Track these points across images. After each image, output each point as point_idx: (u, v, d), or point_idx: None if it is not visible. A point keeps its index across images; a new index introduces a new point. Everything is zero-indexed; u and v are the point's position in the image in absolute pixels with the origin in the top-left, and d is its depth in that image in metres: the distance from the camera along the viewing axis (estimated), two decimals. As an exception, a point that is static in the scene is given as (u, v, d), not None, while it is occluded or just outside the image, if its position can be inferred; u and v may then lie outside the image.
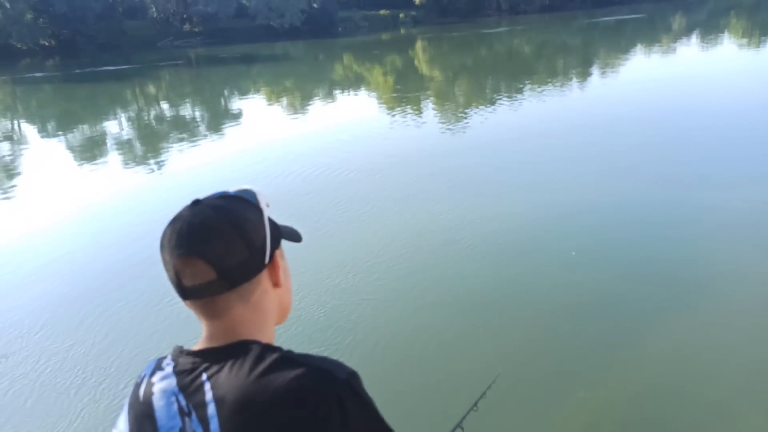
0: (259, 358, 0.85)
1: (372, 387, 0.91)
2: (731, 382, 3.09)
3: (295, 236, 1.06)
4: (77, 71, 26.11)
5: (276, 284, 0.98)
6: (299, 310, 4.04)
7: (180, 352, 0.92)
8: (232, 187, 0.98)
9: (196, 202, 0.93)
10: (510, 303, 4.02)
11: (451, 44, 27.53)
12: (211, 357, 0.88)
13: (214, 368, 0.86)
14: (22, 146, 11.87)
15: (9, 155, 10.91)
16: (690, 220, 5.13)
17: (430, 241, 5.10)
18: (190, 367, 0.88)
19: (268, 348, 0.88)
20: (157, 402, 0.88)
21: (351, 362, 0.90)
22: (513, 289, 4.21)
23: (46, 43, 36.90)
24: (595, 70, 16.11)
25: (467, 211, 5.71)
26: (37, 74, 26.18)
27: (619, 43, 22.31)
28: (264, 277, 0.95)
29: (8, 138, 13.01)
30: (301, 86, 18.62)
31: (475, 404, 1.84)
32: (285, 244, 0.99)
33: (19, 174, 9.56)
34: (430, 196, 6.30)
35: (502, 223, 5.37)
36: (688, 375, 3.19)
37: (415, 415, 2.99)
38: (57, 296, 4.74)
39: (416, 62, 22.65)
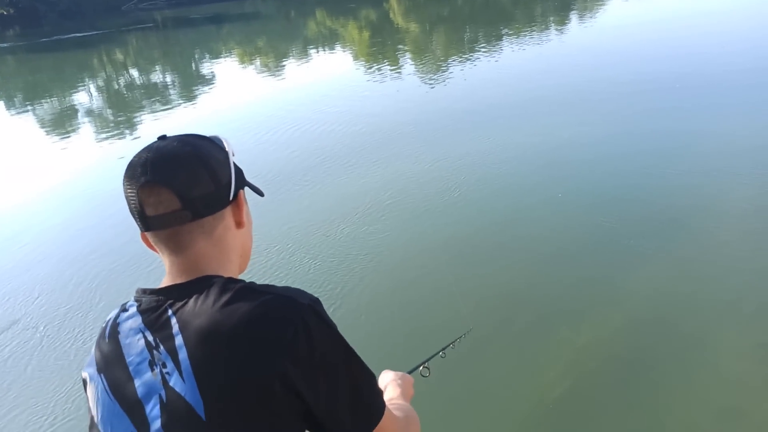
0: (223, 290, 0.86)
1: (349, 329, 0.91)
2: (712, 314, 3.16)
3: (258, 190, 1.09)
4: (42, 40, 25.10)
5: (239, 224, 0.99)
6: (287, 263, 4.09)
7: (143, 292, 0.92)
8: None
9: (163, 137, 0.95)
10: (493, 250, 4.04)
11: (426, -5, 26.88)
12: (174, 293, 0.89)
13: (179, 303, 0.87)
14: (-11, 121, 11.48)
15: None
16: (671, 159, 5.14)
17: (413, 191, 5.09)
18: (155, 305, 0.89)
19: (231, 280, 0.90)
20: (124, 340, 0.88)
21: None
22: (497, 235, 4.23)
23: (4, 12, 35.31)
24: (574, 16, 15.87)
25: (449, 161, 5.67)
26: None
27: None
28: (228, 214, 0.96)
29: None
30: (274, 45, 18.16)
31: (448, 346, 1.83)
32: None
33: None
34: (411, 147, 6.22)
35: (485, 171, 5.37)
36: (670, 308, 3.26)
37: (388, 358, 2.99)
38: (50, 265, 4.75)
39: (392, 15, 22.14)
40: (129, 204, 0.91)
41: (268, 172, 5.99)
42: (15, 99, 13.80)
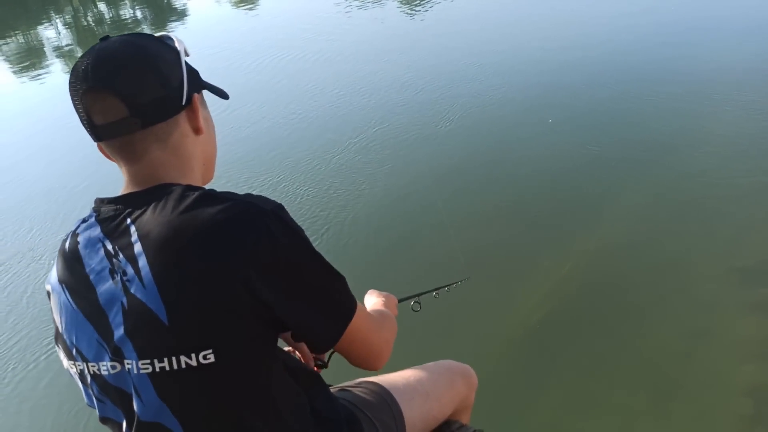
0: (182, 197, 0.84)
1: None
2: (689, 239, 3.22)
3: (220, 92, 1.03)
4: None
5: (197, 130, 0.95)
6: (274, 190, 4.15)
7: (101, 202, 0.90)
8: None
9: (105, 38, 0.88)
10: (483, 184, 4.01)
11: None
12: (133, 201, 0.87)
13: (138, 212, 0.85)
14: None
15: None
16: (662, 83, 5.08)
17: (402, 120, 5.02)
18: (113, 214, 0.87)
19: (190, 187, 0.87)
20: (84, 250, 0.87)
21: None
22: (487, 169, 4.18)
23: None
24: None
25: (436, 92, 5.56)
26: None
27: None
28: (182, 120, 0.92)
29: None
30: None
31: (443, 288, 1.84)
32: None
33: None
34: (399, 78, 6.07)
35: (474, 99, 5.28)
36: (649, 233, 3.31)
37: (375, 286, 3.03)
38: (25, 197, 4.83)
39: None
40: (77, 114, 0.87)
41: (251, 103, 5.86)
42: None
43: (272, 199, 0.87)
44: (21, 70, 9.65)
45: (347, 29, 8.72)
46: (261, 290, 0.80)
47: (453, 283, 1.93)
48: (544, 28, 7.18)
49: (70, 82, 0.86)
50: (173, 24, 11.54)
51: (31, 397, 2.86)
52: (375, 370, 1.05)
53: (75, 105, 0.86)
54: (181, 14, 12.79)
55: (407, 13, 9.40)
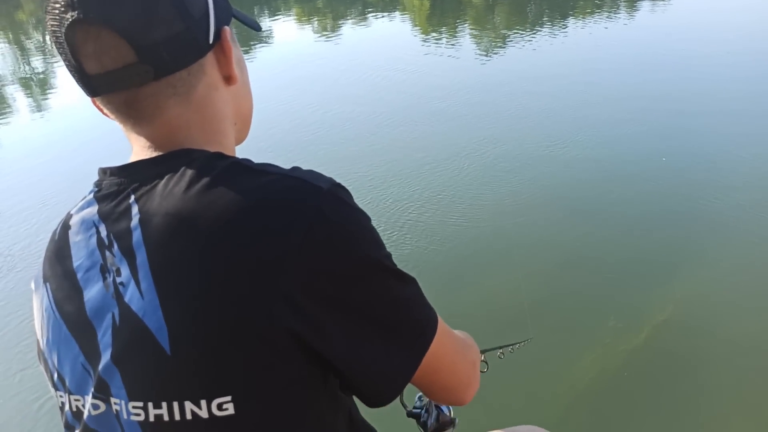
0: (205, 168, 0.60)
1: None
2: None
3: (251, 21, 0.77)
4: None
5: (229, 79, 0.69)
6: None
7: (104, 173, 0.67)
8: None
9: None
10: (564, 232, 3.88)
11: (494, -35, 25.95)
12: (141, 172, 0.63)
13: (146, 187, 0.61)
14: (55, 62, 11.84)
15: (42, 72, 10.91)
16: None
17: (485, 158, 4.99)
18: (116, 189, 0.64)
19: (218, 156, 0.63)
20: (74, 237, 0.65)
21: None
22: (571, 216, 4.08)
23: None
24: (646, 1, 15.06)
25: (533, 133, 5.54)
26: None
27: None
28: (209, 65, 0.67)
29: (41, 53, 12.98)
30: (333, 6, 17.98)
31: (506, 347, 1.75)
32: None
33: (53, 90, 9.57)
34: (474, 117, 6.10)
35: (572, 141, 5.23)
36: (740, 304, 3.07)
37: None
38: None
39: (455, -16, 21.51)
40: (61, 57, 0.63)
41: (318, 132, 5.98)
42: None
43: (328, 176, 0.63)
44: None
45: (417, 73, 8.83)
46: (308, 311, 0.56)
47: (517, 343, 1.83)
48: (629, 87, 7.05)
49: (47, 11, 0.60)
50: (257, 45, 12.04)
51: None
52: (463, 403, 0.79)
53: (57, 45, 0.61)
54: (266, 38, 13.36)
55: (481, 58, 9.45)
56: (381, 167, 5.11)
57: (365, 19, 15.21)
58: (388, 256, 0.63)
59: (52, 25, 0.60)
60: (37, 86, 9.76)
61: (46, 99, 8.97)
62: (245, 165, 0.62)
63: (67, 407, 0.65)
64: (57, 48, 0.62)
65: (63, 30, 0.59)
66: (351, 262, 0.58)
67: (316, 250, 0.56)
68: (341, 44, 11.69)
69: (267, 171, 0.61)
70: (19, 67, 11.41)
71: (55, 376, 0.65)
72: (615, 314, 3.09)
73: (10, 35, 15.25)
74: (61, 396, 0.66)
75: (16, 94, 9.30)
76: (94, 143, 6.29)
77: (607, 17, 12.38)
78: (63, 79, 10.07)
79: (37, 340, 0.69)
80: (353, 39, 12.29)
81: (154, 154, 0.65)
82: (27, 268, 3.95)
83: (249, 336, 0.55)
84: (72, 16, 0.58)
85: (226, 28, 0.68)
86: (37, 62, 11.86)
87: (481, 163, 4.97)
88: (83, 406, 0.63)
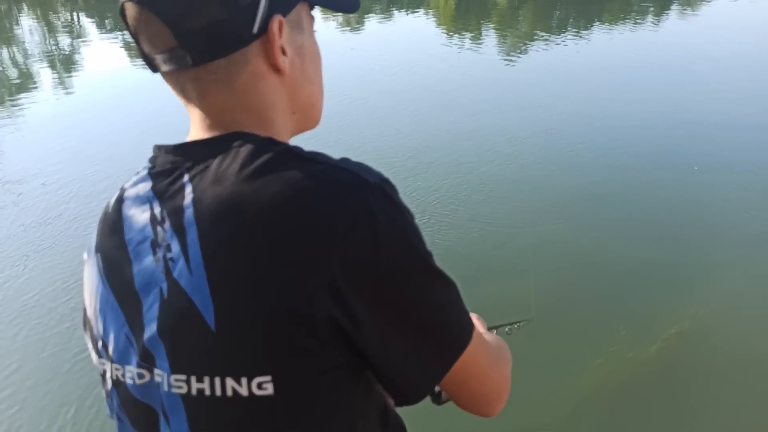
0: (256, 152, 0.61)
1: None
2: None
3: (339, 3, 0.75)
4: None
5: (277, 68, 0.68)
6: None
7: (159, 150, 0.69)
8: None
9: None
10: (580, 232, 3.95)
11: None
12: (195, 153, 0.65)
13: (199, 167, 0.63)
14: (81, 41, 11.99)
15: (69, 50, 11.05)
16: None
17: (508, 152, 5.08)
18: (170, 167, 0.66)
19: (269, 141, 0.64)
20: (127, 211, 0.67)
21: None
22: (590, 216, 4.13)
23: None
24: (675, 8, 14.90)
25: (563, 130, 5.60)
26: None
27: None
28: (254, 54, 0.66)
29: (68, 31, 13.15)
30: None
31: (514, 324, 1.78)
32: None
33: (77, 69, 9.70)
34: (499, 115, 6.13)
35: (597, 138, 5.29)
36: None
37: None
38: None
39: (482, -16, 21.39)
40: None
41: (336, 131, 6.02)
42: (106, 22, 14.31)
43: (377, 170, 0.63)
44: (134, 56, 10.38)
45: (439, 71, 8.83)
46: (348, 300, 0.57)
47: (517, 322, 1.86)
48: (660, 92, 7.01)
49: None
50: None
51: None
52: (490, 415, 0.78)
53: (123, 23, 0.66)
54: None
55: (506, 60, 9.43)
56: (413, 159, 5.15)
57: (389, 15, 15.22)
58: (430, 255, 0.63)
59: (121, 3, 0.64)
60: (62, 63, 9.91)
61: (70, 76, 9.09)
62: (296, 152, 0.63)
63: (108, 374, 0.67)
64: (125, 25, 0.66)
65: (121, 11, 0.64)
66: (393, 257, 0.59)
67: (359, 241, 0.57)
68: (365, 38, 11.71)
69: (317, 160, 0.62)
70: (47, 45, 11.56)
71: (99, 343, 0.68)
72: (626, 323, 3.08)
73: (39, 12, 15.45)
74: (103, 363, 0.68)
75: (42, 70, 9.44)
76: (122, 114, 6.39)
77: (633, 24, 12.28)
78: (88, 56, 10.21)
79: (84, 308, 0.71)
80: (377, 33, 12.29)
81: (207, 135, 0.67)
82: (74, 235, 4.07)
83: (291, 320, 0.56)
84: None
85: (277, 17, 0.66)
86: (64, 40, 12.03)
87: (502, 166, 5.00)
88: (123, 375, 0.65)
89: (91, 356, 0.71)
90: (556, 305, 3.19)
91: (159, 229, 0.63)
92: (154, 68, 0.67)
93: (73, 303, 3.38)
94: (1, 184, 5.05)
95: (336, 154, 0.67)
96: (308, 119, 0.76)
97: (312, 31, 0.74)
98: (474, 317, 0.89)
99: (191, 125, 0.69)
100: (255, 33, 0.64)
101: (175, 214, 0.62)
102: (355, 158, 0.65)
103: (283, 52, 0.68)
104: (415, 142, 5.62)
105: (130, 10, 0.63)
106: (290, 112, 0.72)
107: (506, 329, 1.66)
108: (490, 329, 1.29)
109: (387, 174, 0.63)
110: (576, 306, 3.25)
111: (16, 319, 3.29)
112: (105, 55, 10.35)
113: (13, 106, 7.49)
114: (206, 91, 0.66)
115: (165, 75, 0.67)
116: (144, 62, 0.68)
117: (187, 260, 0.59)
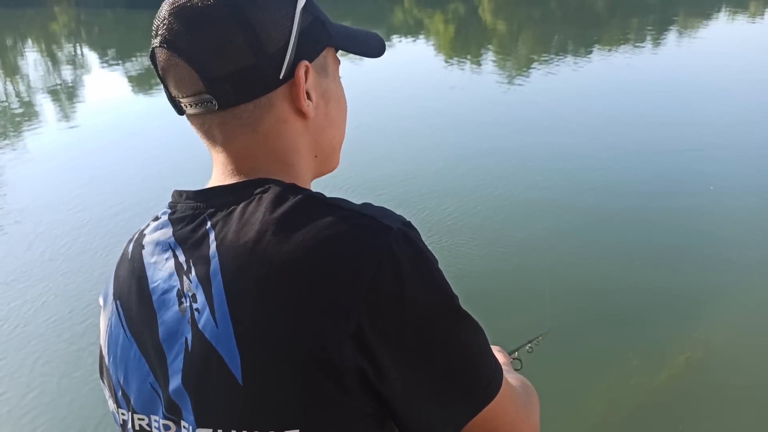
0: (279, 199, 0.61)
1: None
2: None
3: (368, 46, 0.75)
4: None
5: (301, 113, 0.68)
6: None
7: (179, 195, 0.68)
8: None
9: None
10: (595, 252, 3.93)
11: (519, -7, 26.24)
12: (217, 198, 0.65)
13: (222, 213, 0.63)
14: (84, 73, 12.10)
15: (71, 82, 11.15)
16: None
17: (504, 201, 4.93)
18: (191, 213, 0.65)
19: (292, 188, 0.63)
20: (149, 258, 0.66)
21: None
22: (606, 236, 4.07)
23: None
24: (672, 33, 15.06)
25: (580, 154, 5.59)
26: None
27: (702, 3, 20.76)
28: (279, 98, 0.66)
29: (71, 64, 13.30)
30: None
31: (534, 340, 1.73)
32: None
33: (80, 100, 9.76)
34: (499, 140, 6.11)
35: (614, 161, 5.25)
36: None
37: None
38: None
39: (480, 11, 21.75)
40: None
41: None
42: (108, 54, 14.49)
43: (397, 213, 0.63)
44: (138, 87, 10.44)
45: (438, 97, 8.87)
46: (374, 349, 0.56)
47: (536, 338, 1.81)
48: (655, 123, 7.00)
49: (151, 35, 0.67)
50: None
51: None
52: None
53: (153, 65, 0.67)
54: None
55: (502, 86, 9.47)
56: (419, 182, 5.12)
57: (389, 41, 15.43)
58: (456, 298, 0.62)
59: (151, 48, 0.66)
60: (66, 95, 9.97)
61: (74, 109, 9.13)
62: (318, 198, 0.62)
63: (129, 425, 0.66)
64: (154, 68, 0.67)
65: (152, 53, 0.66)
66: (418, 303, 0.58)
67: (384, 289, 0.57)
68: (364, 66, 11.83)
69: (339, 206, 0.61)
70: (50, 77, 11.66)
71: (119, 393, 0.67)
72: (637, 349, 3.03)
73: (43, 45, 15.67)
74: (123, 414, 0.67)
75: (45, 102, 9.50)
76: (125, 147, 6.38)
77: (633, 47, 12.39)
78: (91, 89, 10.29)
79: (102, 356, 0.70)
80: (378, 61, 12.41)
81: (229, 180, 0.67)
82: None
83: (318, 371, 0.56)
84: (157, 42, 0.64)
85: (304, 62, 0.67)
86: (67, 73, 12.14)
87: (515, 190, 4.97)
88: (148, 425, 0.64)
89: (109, 404, 0.70)
90: (568, 329, 3.14)
91: (185, 278, 0.62)
92: (180, 111, 0.68)
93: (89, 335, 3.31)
94: (5, 213, 5.04)
95: (343, 183, 0.62)
96: (329, 162, 0.77)
97: (337, 75, 0.75)
98: (496, 350, 0.88)
99: (214, 170, 0.69)
100: (281, 78, 0.65)
101: (200, 263, 0.61)
102: (361, 187, 0.62)
103: (308, 97, 0.68)
104: (420, 168, 5.59)
105: (161, 54, 0.64)
106: (312, 156, 0.73)
107: (527, 347, 1.62)
108: (511, 353, 1.28)
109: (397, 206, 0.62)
110: (587, 330, 3.22)
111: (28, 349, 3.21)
112: (107, 86, 10.42)
113: (18, 137, 7.51)
114: (231, 135, 0.67)
115: (191, 118, 0.68)
116: (170, 104, 0.68)
117: (212, 311, 0.59)
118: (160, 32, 0.64)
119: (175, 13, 0.63)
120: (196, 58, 0.62)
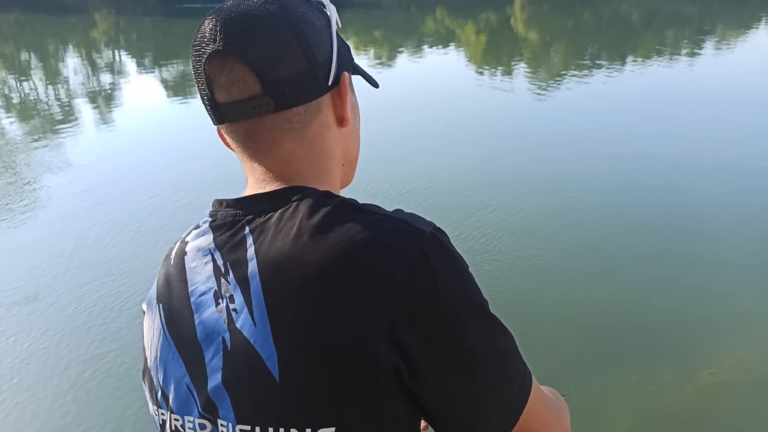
0: (316, 205, 0.64)
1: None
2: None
3: (370, 77, 0.81)
4: (184, 5, 26.74)
5: (341, 120, 0.74)
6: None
7: (219, 204, 0.72)
8: None
9: None
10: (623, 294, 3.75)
11: (552, 4, 26.03)
12: (255, 206, 0.68)
13: (260, 219, 0.66)
14: (121, 78, 12.43)
15: (109, 87, 11.46)
16: None
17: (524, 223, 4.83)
18: (231, 220, 0.68)
19: (327, 195, 0.67)
20: (190, 263, 0.69)
21: None
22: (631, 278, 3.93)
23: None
24: (709, 45, 14.75)
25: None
26: (139, 6, 27.14)
27: (741, 15, 20.28)
28: (325, 105, 0.71)
29: (110, 69, 13.66)
30: (390, 38, 18.32)
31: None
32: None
33: (118, 105, 10.03)
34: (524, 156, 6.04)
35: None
36: None
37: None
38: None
39: (512, 21, 21.65)
40: (198, 86, 0.70)
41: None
42: (145, 60, 14.85)
43: (428, 219, 0.66)
44: (174, 94, 10.65)
45: (467, 107, 8.83)
46: (407, 349, 0.58)
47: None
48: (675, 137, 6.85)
49: (193, 45, 0.68)
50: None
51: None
52: None
53: (196, 74, 0.68)
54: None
55: (534, 98, 9.40)
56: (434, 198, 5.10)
57: (420, 51, 15.45)
58: (486, 302, 0.64)
59: (195, 55, 0.68)
60: (104, 99, 10.25)
61: (110, 111, 9.38)
62: (353, 204, 0.66)
63: (167, 426, 0.69)
64: (195, 76, 0.69)
65: (203, 60, 0.67)
66: (451, 304, 0.60)
67: (418, 290, 0.59)
68: (396, 74, 11.87)
69: (372, 211, 0.64)
70: (90, 82, 12.00)
71: (159, 393, 0.69)
72: (670, 366, 2.98)
73: (83, 51, 16.14)
74: (162, 414, 0.69)
75: (84, 106, 9.77)
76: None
77: (668, 61, 12.17)
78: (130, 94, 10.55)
79: (145, 358, 0.73)
80: (408, 70, 12.45)
81: (267, 188, 0.70)
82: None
83: (355, 370, 0.58)
84: (213, 48, 0.66)
85: (346, 73, 0.74)
86: (106, 78, 12.48)
87: (541, 209, 4.88)
88: (182, 426, 0.67)
89: (149, 406, 0.72)
90: (593, 358, 3.11)
91: (222, 280, 0.65)
92: (220, 118, 0.70)
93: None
94: (43, 217, 5.16)
95: (371, 190, 0.63)
96: (350, 173, 0.81)
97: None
98: (552, 394, 0.88)
99: (250, 178, 0.73)
100: (330, 85, 0.71)
101: (238, 265, 0.64)
102: (389, 197, 0.63)
103: None
104: (450, 180, 5.57)
105: (215, 59, 0.66)
106: (341, 164, 0.77)
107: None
108: None
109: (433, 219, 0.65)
110: (615, 346, 3.21)
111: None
112: (144, 91, 10.68)
113: (58, 140, 7.73)
114: (280, 139, 0.70)
115: (232, 126, 0.70)
116: (210, 112, 0.70)
117: (250, 311, 0.61)
118: (218, 38, 0.66)
119: (234, 20, 0.66)
120: (257, 62, 0.65)
